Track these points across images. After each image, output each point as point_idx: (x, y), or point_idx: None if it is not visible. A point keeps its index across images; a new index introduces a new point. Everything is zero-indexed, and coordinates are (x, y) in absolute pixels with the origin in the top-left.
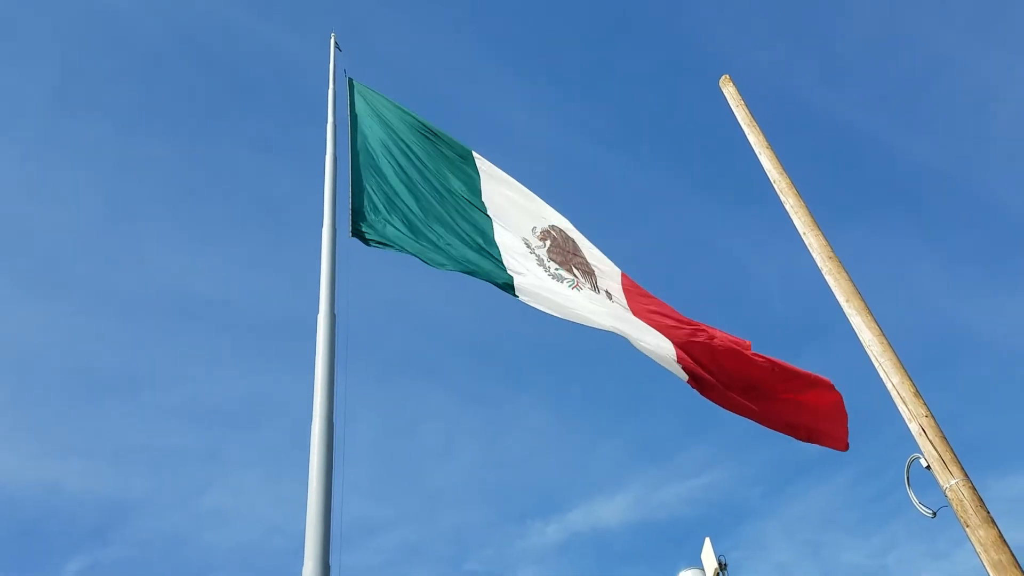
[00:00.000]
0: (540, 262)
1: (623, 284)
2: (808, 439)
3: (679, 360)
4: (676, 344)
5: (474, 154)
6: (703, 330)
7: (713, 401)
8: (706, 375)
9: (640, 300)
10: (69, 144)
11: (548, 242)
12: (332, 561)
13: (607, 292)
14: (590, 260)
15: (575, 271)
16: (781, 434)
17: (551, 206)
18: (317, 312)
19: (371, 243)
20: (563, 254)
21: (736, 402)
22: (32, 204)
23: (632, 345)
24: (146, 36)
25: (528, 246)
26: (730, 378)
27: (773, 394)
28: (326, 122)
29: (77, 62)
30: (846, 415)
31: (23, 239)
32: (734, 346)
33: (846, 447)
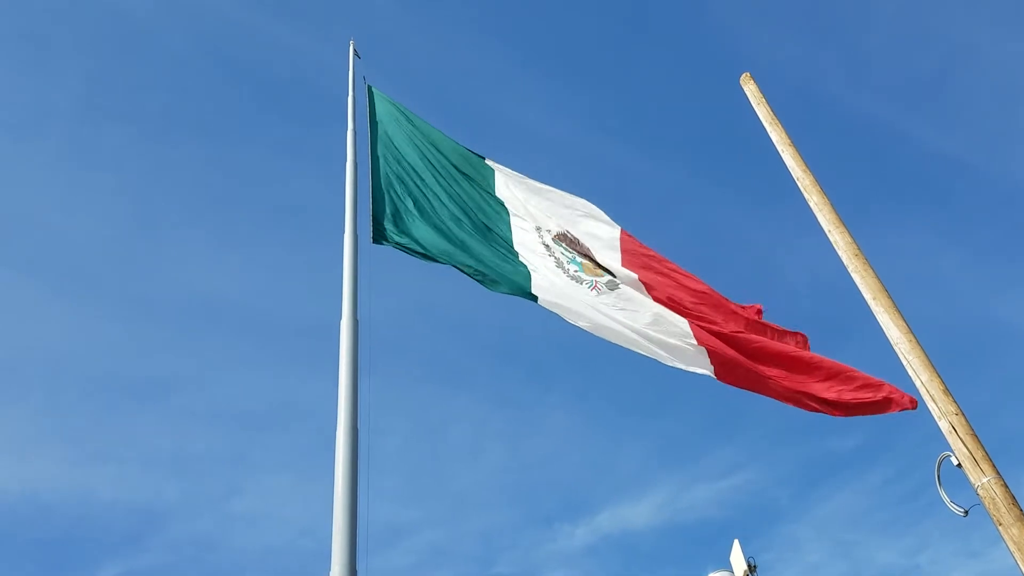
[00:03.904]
0: (559, 264)
1: (624, 247)
2: (847, 412)
3: (698, 340)
4: (693, 321)
5: (487, 161)
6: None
7: (740, 386)
8: (728, 349)
9: (649, 271)
10: (96, 151)
11: (564, 243)
12: (359, 565)
13: (623, 284)
14: (601, 259)
15: (595, 269)
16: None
17: (562, 203)
18: (340, 317)
19: (394, 246)
20: (580, 249)
21: (763, 379)
22: (61, 211)
23: (646, 355)
24: (170, 45)
25: (547, 248)
26: (753, 350)
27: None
28: (346, 129)
29: (103, 71)
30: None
31: (52, 246)
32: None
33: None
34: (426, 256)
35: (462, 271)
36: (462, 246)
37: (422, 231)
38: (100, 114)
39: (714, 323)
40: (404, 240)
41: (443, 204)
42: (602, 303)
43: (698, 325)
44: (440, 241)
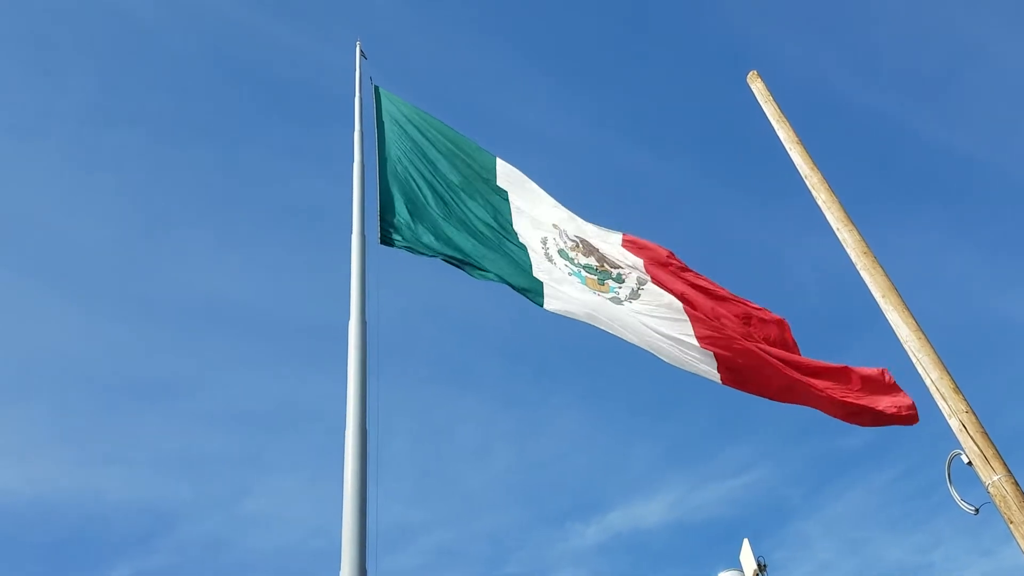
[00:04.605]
0: (561, 267)
1: (628, 248)
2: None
3: (699, 339)
4: (704, 325)
5: (498, 160)
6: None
7: (749, 391)
8: (744, 344)
9: (662, 269)
10: (101, 153)
11: (571, 245)
12: (368, 565)
13: (637, 281)
14: (611, 259)
15: (605, 266)
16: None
17: (567, 208)
18: (348, 318)
19: (401, 249)
20: (587, 256)
21: (777, 380)
22: (66, 213)
23: (655, 355)
24: (176, 47)
25: (548, 252)
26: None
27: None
28: (353, 130)
29: (108, 73)
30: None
31: (59, 248)
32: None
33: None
34: (432, 257)
35: (467, 272)
36: (468, 247)
37: (427, 232)
38: (105, 116)
39: (745, 335)
40: (410, 242)
41: (449, 205)
42: (603, 303)
43: (710, 329)
44: (445, 242)
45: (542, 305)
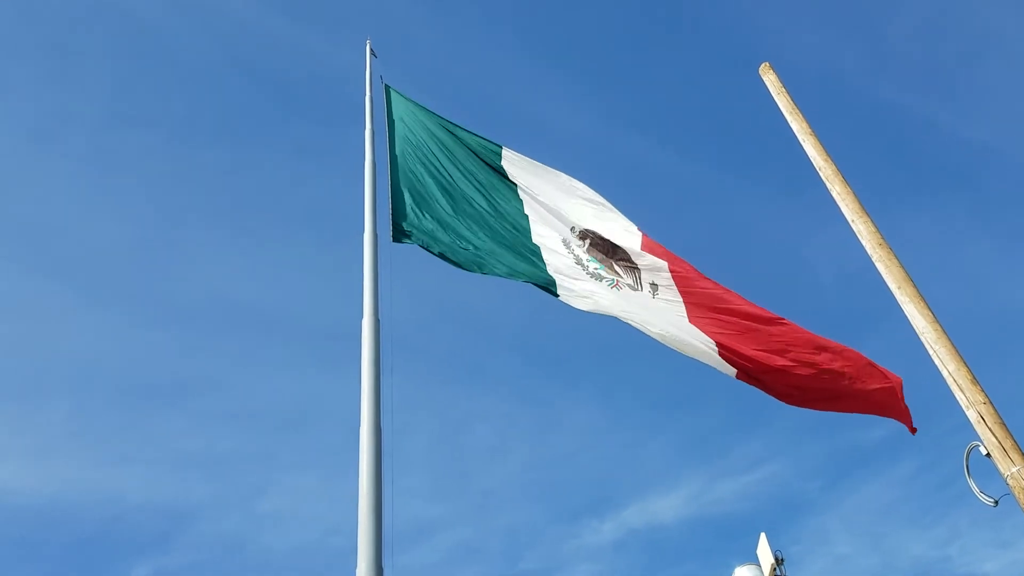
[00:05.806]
0: (578, 261)
1: (646, 247)
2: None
3: (721, 353)
4: (718, 336)
5: (505, 151)
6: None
7: (766, 390)
8: (757, 357)
9: (685, 278)
10: (119, 156)
11: (587, 241)
12: (385, 562)
13: (652, 284)
14: (630, 255)
15: (616, 269)
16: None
17: (584, 196)
18: (361, 317)
19: (415, 245)
20: (603, 251)
21: (790, 384)
22: (84, 216)
23: (667, 345)
24: (190, 50)
25: (567, 245)
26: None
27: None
28: (364, 129)
29: (124, 77)
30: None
31: (77, 251)
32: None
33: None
34: (443, 257)
35: (478, 272)
36: (481, 245)
37: (439, 230)
38: (122, 120)
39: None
40: (422, 240)
41: (461, 203)
42: (620, 296)
43: (725, 337)
44: (457, 241)
45: (557, 296)
